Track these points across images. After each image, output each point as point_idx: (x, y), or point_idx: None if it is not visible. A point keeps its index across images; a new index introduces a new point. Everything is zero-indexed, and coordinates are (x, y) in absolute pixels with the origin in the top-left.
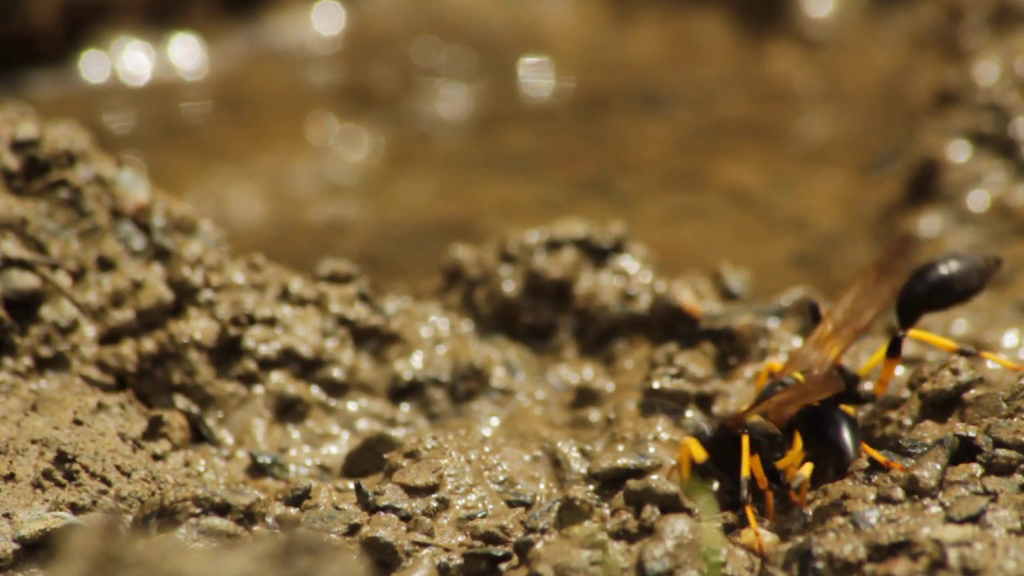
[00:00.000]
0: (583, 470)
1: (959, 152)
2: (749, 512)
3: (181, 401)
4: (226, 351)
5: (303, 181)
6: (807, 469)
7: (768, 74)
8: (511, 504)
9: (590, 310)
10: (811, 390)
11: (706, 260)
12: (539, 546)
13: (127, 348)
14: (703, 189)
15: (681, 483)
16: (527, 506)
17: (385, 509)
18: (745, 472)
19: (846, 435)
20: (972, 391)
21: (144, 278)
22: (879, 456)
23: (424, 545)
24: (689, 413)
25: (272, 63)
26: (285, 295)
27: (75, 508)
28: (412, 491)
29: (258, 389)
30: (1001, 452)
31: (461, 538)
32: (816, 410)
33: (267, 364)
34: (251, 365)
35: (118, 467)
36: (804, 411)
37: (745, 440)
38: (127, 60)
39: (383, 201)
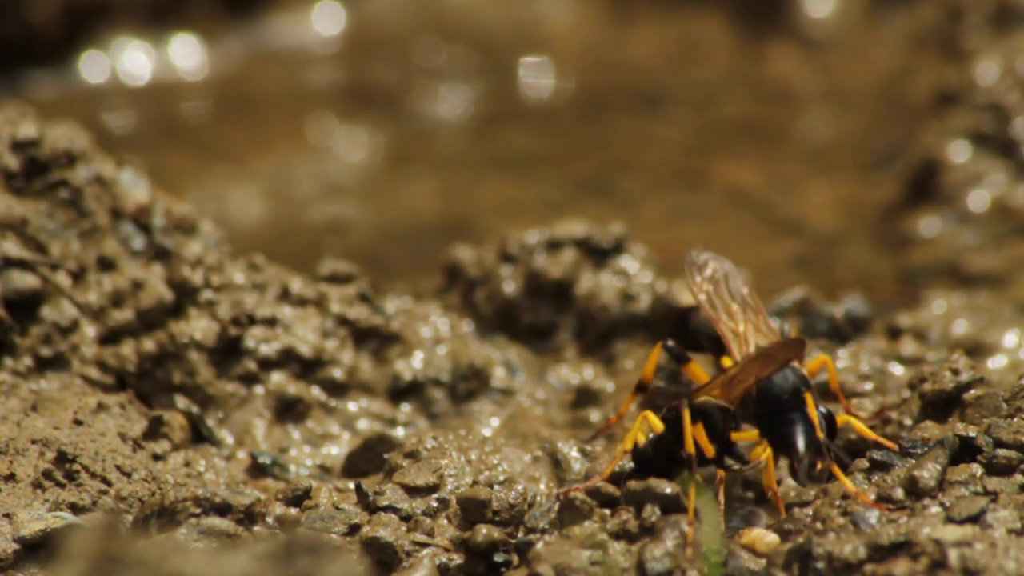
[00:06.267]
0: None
1: (959, 152)
2: (692, 495)
3: (181, 401)
4: (226, 351)
5: (303, 181)
6: (765, 453)
7: (768, 74)
8: (511, 504)
9: (590, 310)
10: (761, 359)
11: None
12: (539, 546)
13: (127, 348)
14: (704, 189)
15: (626, 451)
16: (527, 506)
17: (385, 509)
18: (689, 447)
19: (799, 434)
20: (972, 391)
21: (144, 278)
22: (848, 484)
23: (424, 545)
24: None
25: (272, 63)
26: (285, 295)
27: (75, 508)
28: (412, 491)
29: (258, 389)
30: (1001, 452)
31: (461, 538)
32: (777, 406)
33: (267, 364)
34: (251, 365)
35: (118, 467)
36: (765, 407)
37: (686, 414)
38: (127, 60)
39: (383, 201)
